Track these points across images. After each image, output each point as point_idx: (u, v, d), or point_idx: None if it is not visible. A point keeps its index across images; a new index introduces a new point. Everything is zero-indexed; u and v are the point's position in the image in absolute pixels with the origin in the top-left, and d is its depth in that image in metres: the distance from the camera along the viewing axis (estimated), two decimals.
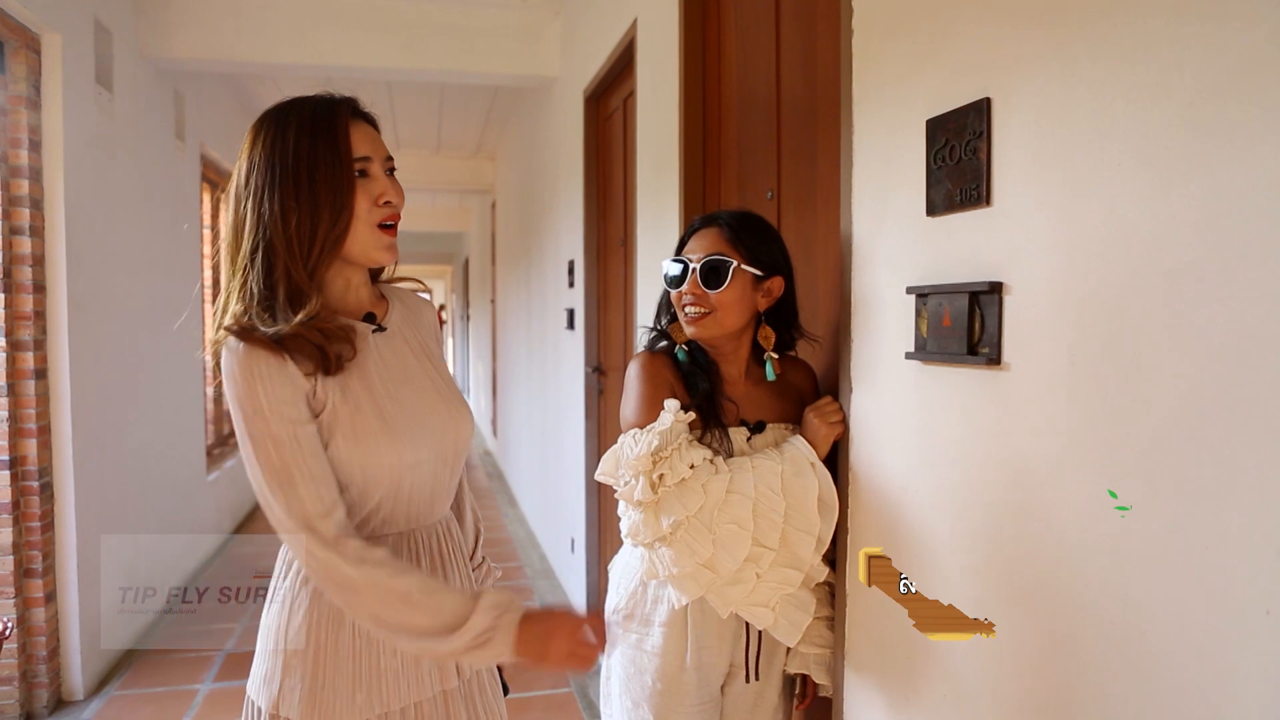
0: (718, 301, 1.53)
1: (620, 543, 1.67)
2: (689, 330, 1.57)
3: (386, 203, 1.21)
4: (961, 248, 1.19)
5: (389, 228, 1.23)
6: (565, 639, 1.14)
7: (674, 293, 1.58)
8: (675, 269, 1.57)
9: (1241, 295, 0.79)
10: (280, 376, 1.12)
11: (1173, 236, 0.86)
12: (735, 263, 1.52)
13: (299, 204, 1.15)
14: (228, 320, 1.15)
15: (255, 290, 1.14)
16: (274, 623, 1.23)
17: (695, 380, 1.57)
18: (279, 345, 1.12)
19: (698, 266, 1.53)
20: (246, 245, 1.16)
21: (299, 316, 1.13)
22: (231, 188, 1.20)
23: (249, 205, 1.16)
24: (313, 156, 1.16)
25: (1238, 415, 0.79)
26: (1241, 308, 0.79)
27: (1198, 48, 0.83)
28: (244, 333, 1.12)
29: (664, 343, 1.64)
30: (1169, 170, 0.86)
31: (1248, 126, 0.78)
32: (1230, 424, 0.80)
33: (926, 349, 1.26)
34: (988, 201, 1.13)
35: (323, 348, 1.15)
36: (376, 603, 1.11)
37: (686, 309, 1.55)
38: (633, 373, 1.58)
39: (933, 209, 1.24)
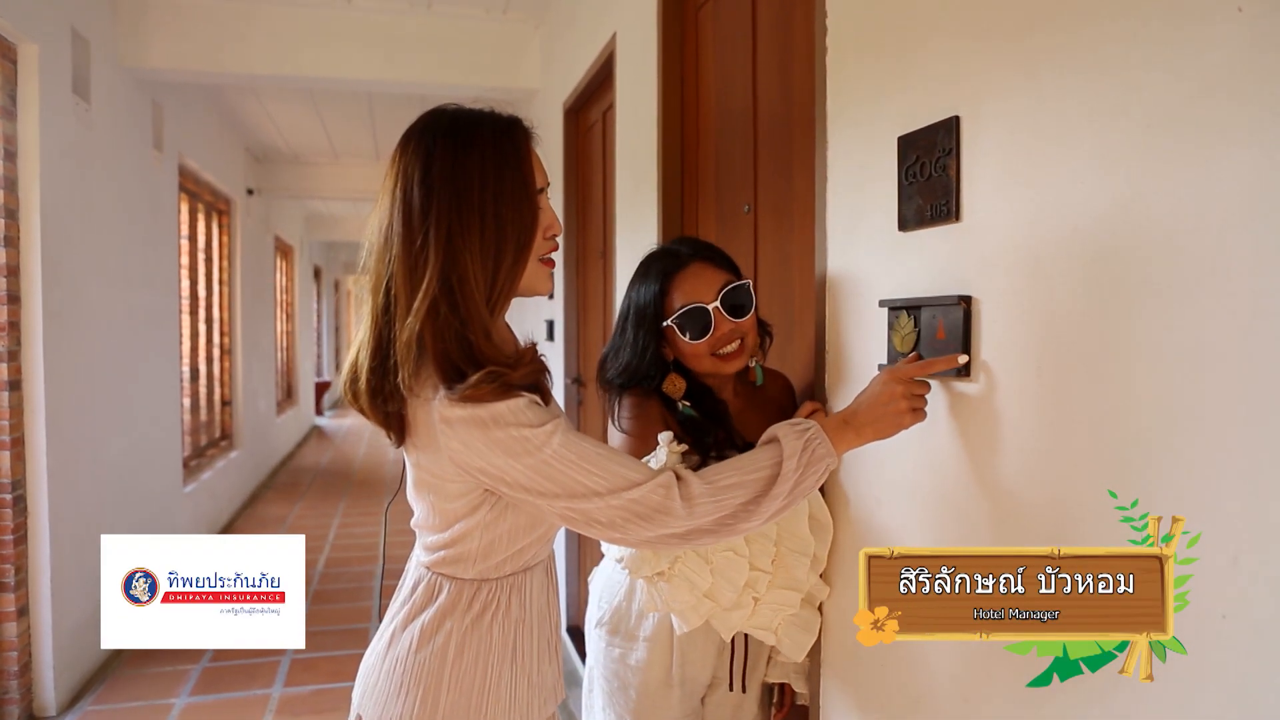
0: (746, 327, 1.51)
1: (599, 555, 1.68)
2: (729, 367, 1.50)
3: (553, 235, 1.17)
4: (932, 262, 1.22)
5: (549, 259, 1.18)
6: (891, 400, 1.17)
7: (697, 343, 1.48)
8: (694, 318, 1.47)
9: (1198, 308, 0.81)
10: (536, 409, 1.10)
11: (1132, 251, 0.88)
12: (748, 282, 1.51)
13: (484, 240, 1.08)
14: (464, 378, 1.05)
15: (456, 334, 1.07)
16: (430, 661, 1.20)
17: (701, 427, 1.50)
18: (527, 390, 1.08)
19: (718, 304, 1.47)
20: (433, 281, 1.06)
21: (524, 368, 1.09)
22: (395, 211, 1.10)
23: (433, 238, 1.07)
24: (499, 188, 1.09)
25: (1194, 426, 0.82)
26: (1198, 321, 0.81)
27: (1156, 70, 0.85)
28: (504, 390, 1.06)
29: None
30: (1129, 187, 0.89)
31: (1203, 146, 0.81)
32: (1187, 434, 0.82)
33: (899, 361, 1.28)
34: (957, 217, 1.15)
35: (543, 386, 1.12)
36: (713, 516, 1.10)
37: (725, 349, 1.49)
38: (620, 407, 1.54)
39: (904, 224, 1.27)
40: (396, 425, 1.16)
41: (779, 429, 1.17)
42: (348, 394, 1.18)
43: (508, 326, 1.25)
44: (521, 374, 1.08)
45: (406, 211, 1.09)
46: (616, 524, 1.09)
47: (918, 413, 1.19)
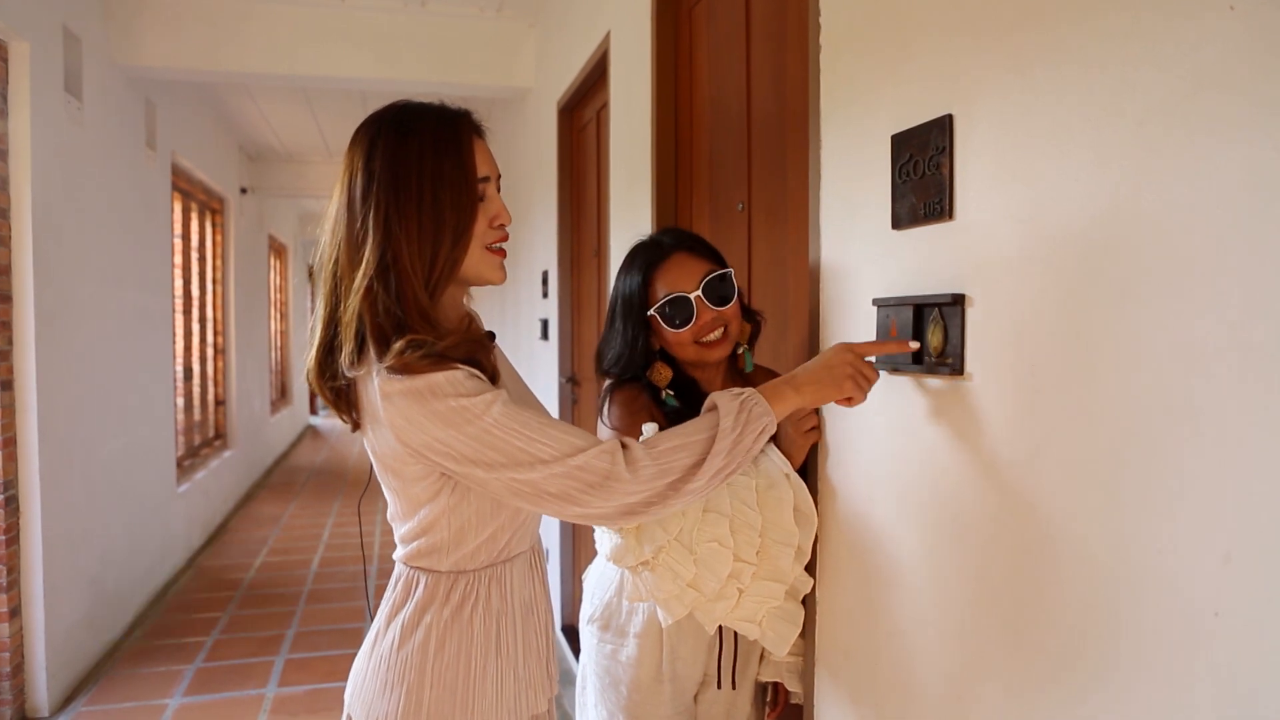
0: (730, 315, 1.53)
1: (594, 552, 1.67)
2: (713, 355, 1.53)
3: (500, 225, 1.20)
4: (925, 260, 1.22)
5: (499, 248, 1.21)
6: (836, 366, 1.20)
7: (680, 331, 1.52)
8: (677, 308, 1.51)
9: (1191, 307, 0.81)
10: (475, 380, 1.11)
11: (1126, 248, 0.88)
12: (731, 270, 1.54)
13: (421, 223, 1.11)
14: (388, 353, 1.08)
15: (387, 310, 1.10)
16: (412, 658, 1.21)
17: (685, 419, 1.53)
18: (459, 363, 1.10)
19: (700, 293, 1.50)
20: (371, 262, 1.10)
21: (452, 337, 1.10)
22: (342, 197, 1.16)
23: (372, 221, 1.11)
24: (438, 174, 1.12)
25: (1187, 424, 0.82)
26: (1190, 319, 0.81)
27: (1149, 67, 0.85)
28: (438, 360, 1.07)
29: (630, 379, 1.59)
30: (1122, 184, 0.89)
31: (1196, 143, 0.81)
32: (1180, 432, 0.82)
33: (893, 359, 1.28)
34: (950, 215, 1.15)
35: (481, 360, 1.14)
36: (660, 480, 1.11)
37: (708, 337, 1.52)
38: (609, 403, 1.56)
39: (898, 222, 1.27)
40: (346, 405, 1.19)
41: (716, 395, 1.19)
42: (307, 374, 1.22)
43: (474, 316, 1.26)
44: (449, 343, 1.10)
45: (350, 197, 1.14)
46: (569, 495, 1.09)
47: (859, 388, 1.22)
